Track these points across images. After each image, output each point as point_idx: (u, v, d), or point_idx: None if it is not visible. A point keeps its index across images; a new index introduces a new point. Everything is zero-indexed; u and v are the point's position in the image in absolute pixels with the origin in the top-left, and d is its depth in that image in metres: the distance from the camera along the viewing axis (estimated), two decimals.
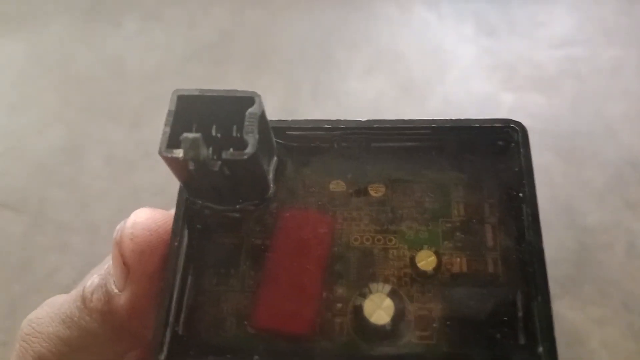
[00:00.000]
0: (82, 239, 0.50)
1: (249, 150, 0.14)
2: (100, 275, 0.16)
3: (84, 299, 0.16)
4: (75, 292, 0.17)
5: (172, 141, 0.14)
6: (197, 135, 0.13)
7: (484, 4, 0.62)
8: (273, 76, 0.59)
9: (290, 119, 0.16)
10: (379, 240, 0.15)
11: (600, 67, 0.57)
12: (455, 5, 0.63)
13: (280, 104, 0.57)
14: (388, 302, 0.15)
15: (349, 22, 0.63)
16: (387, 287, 0.15)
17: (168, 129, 0.14)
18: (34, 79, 0.61)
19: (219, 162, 0.14)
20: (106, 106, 0.58)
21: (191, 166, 0.14)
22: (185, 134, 0.13)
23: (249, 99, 0.14)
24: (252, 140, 0.14)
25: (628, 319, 0.44)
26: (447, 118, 0.16)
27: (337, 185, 0.16)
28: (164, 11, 0.65)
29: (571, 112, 0.54)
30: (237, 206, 0.16)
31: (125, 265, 0.15)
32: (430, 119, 0.16)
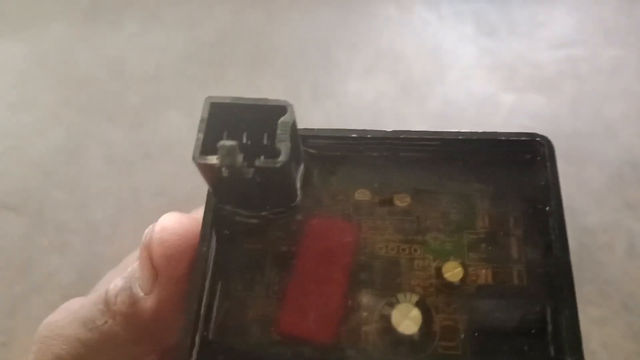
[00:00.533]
0: (82, 239, 0.50)
1: (282, 158, 0.14)
2: (125, 278, 0.16)
3: (107, 302, 0.16)
4: (95, 296, 0.17)
5: (205, 147, 0.14)
6: (234, 142, 0.14)
7: (484, 4, 0.62)
8: (273, 76, 0.59)
9: (317, 127, 0.17)
10: (404, 250, 0.16)
11: (600, 67, 0.57)
12: (455, 5, 0.63)
13: None
14: (415, 312, 0.15)
15: (349, 23, 0.63)
16: (415, 297, 0.15)
17: (201, 135, 0.14)
18: (34, 79, 0.61)
19: (252, 170, 0.14)
20: (106, 106, 0.58)
21: (225, 173, 0.14)
22: (222, 142, 0.14)
23: (281, 108, 0.14)
24: (284, 148, 0.14)
25: (628, 319, 0.44)
26: (474, 131, 0.16)
27: (362, 194, 0.16)
28: (164, 11, 0.65)
29: (571, 113, 0.54)
30: (264, 213, 0.16)
31: (154, 269, 0.15)
32: (457, 131, 0.16)
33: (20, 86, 0.61)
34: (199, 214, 0.16)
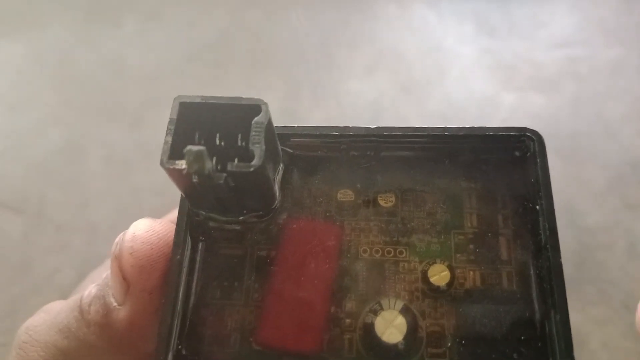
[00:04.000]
0: (81, 240, 0.50)
1: (256, 162, 0.13)
2: (98, 286, 0.16)
3: (81, 310, 0.16)
4: (72, 301, 0.16)
5: (175, 151, 0.13)
6: (202, 147, 0.12)
7: (484, 4, 0.62)
8: (273, 76, 0.59)
9: (296, 124, 0.16)
10: (389, 252, 0.15)
11: (600, 67, 0.57)
12: (455, 5, 0.63)
13: (280, 104, 0.56)
14: (400, 320, 0.14)
15: (349, 22, 0.63)
16: (399, 304, 0.14)
17: (170, 139, 0.13)
18: (33, 79, 0.61)
19: (224, 175, 0.13)
20: (106, 106, 0.58)
21: (195, 179, 0.13)
22: (189, 147, 0.13)
23: (255, 107, 0.13)
24: (258, 151, 0.13)
25: (628, 319, 0.44)
26: (461, 126, 0.15)
27: (345, 195, 0.16)
28: (164, 11, 0.65)
29: (571, 113, 0.54)
30: (242, 217, 0.15)
31: (125, 280, 0.15)
32: (443, 126, 0.15)
33: (20, 86, 0.61)
34: (173, 215, 0.15)
